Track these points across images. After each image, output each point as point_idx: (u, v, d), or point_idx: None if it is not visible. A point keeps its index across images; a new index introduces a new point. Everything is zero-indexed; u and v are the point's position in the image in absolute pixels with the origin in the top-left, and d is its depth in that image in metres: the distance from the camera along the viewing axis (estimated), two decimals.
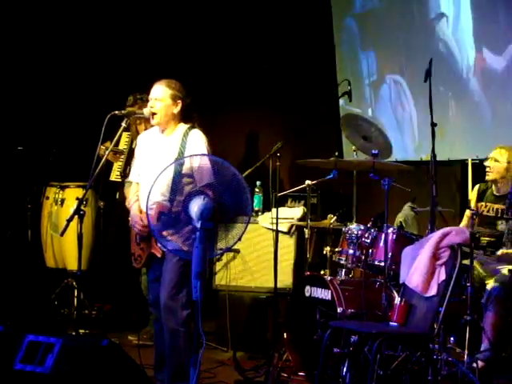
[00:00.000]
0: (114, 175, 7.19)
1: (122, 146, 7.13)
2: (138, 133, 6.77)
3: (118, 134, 5.17)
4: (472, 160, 6.96)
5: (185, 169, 4.68)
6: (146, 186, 4.99)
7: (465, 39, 7.22)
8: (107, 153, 5.25)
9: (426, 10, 7.56)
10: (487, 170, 6.16)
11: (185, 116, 5.15)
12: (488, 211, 6.13)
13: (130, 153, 7.06)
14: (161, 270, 5.12)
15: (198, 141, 5.06)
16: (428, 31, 7.50)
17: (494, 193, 6.19)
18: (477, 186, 6.33)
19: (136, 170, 5.32)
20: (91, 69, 8.26)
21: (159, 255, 5.07)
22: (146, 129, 5.93)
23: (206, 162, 4.55)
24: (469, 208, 6.12)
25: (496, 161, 6.11)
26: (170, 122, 5.12)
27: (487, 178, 6.19)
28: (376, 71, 8.07)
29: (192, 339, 4.39)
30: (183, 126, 5.13)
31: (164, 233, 4.46)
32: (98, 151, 5.08)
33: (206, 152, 5.00)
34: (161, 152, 5.12)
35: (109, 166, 7.12)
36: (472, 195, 6.34)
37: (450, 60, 7.31)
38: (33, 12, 7.99)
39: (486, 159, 6.20)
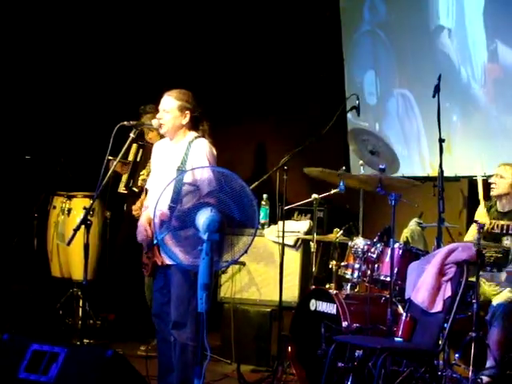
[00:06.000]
0: (122, 187, 7.21)
1: (130, 157, 7.16)
2: (149, 144, 6.82)
3: (127, 145, 5.18)
4: (481, 177, 6.93)
5: (186, 178, 4.68)
6: (153, 194, 5.04)
7: (473, 53, 7.21)
8: (115, 163, 5.26)
9: (433, 23, 7.56)
10: (492, 186, 6.19)
11: (194, 125, 5.17)
12: (493, 228, 6.12)
13: (136, 165, 7.08)
14: (164, 281, 5.13)
15: (200, 150, 5.08)
16: (435, 45, 7.50)
17: (499, 209, 6.19)
18: (483, 204, 6.31)
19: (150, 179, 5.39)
20: (100, 79, 8.29)
21: (159, 263, 5.08)
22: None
23: (207, 172, 4.57)
24: (476, 222, 6.08)
25: (501, 177, 6.14)
26: (179, 131, 5.16)
27: (492, 193, 6.21)
28: (384, 85, 8.08)
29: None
30: (191, 135, 5.16)
31: (167, 242, 4.46)
32: (105, 162, 5.10)
33: (206, 161, 5.03)
34: (167, 159, 5.17)
35: (117, 177, 7.14)
36: (480, 210, 6.31)
37: (458, 74, 7.31)
38: (42, 23, 8.03)
39: (491, 176, 6.21)
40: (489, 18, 7.07)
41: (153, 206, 4.51)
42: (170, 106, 5.13)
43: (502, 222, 6.10)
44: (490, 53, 7.08)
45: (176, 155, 5.11)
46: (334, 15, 8.26)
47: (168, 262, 4.89)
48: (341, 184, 5.98)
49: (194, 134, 5.17)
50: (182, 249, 4.40)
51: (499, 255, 6.02)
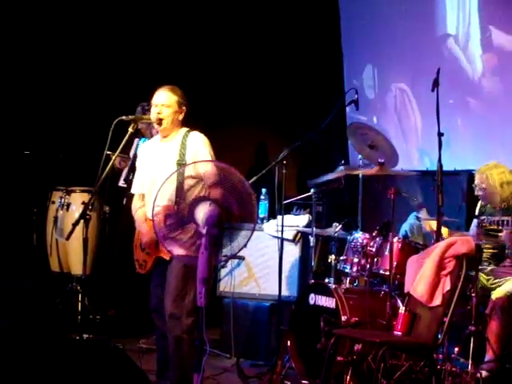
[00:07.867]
0: (122, 181, 7.20)
1: (131, 152, 7.15)
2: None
3: (126, 140, 5.17)
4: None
5: (188, 171, 4.66)
6: (150, 194, 5.00)
7: (472, 47, 7.21)
8: (114, 157, 5.25)
9: (432, 17, 7.54)
10: (477, 195, 6.19)
11: (185, 121, 5.18)
12: (490, 224, 6.09)
13: (136, 158, 7.07)
14: (164, 276, 5.12)
15: (199, 142, 5.09)
16: (434, 40, 7.50)
17: (492, 205, 6.17)
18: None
19: (138, 181, 5.33)
20: (98, 74, 8.28)
21: (167, 258, 5.04)
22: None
23: (210, 164, 4.56)
24: (475, 217, 6.09)
25: (480, 188, 6.12)
26: (174, 127, 5.15)
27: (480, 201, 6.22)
28: (382, 79, 8.07)
29: (195, 346, 4.39)
30: (183, 130, 5.18)
31: (170, 235, 4.44)
32: (104, 157, 5.09)
33: (207, 152, 5.06)
34: (162, 157, 5.15)
35: (117, 171, 7.13)
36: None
37: (457, 69, 7.30)
38: (41, 20, 8.02)
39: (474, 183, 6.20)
40: (483, 5, 7.07)
41: (150, 203, 4.49)
42: (171, 101, 5.12)
43: (497, 218, 6.07)
44: (486, 41, 7.07)
45: (171, 151, 5.10)
46: (333, 9, 8.26)
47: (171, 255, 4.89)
48: None
49: (185, 129, 5.19)
50: (184, 242, 4.40)
51: (495, 251, 6.04)
